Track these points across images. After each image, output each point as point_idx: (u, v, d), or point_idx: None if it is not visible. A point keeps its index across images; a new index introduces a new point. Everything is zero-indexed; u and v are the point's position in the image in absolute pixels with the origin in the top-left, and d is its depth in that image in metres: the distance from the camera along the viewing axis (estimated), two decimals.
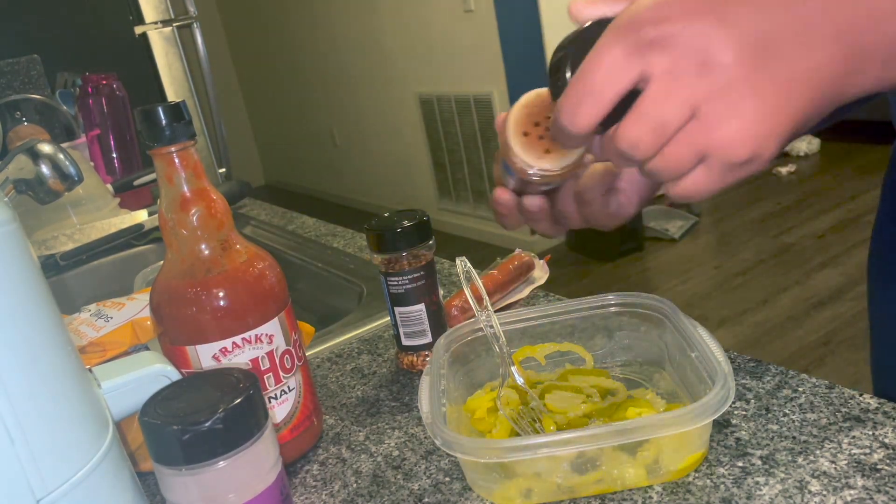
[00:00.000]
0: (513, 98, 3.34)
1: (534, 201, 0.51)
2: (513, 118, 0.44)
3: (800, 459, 0.48)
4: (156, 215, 0.99)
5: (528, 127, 0.44)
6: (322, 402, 0.68)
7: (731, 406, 0.52)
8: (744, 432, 0.51)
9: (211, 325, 0.53)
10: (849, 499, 0.44)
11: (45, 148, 0.94)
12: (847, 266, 2.82)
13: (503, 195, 0.51)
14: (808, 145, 4.12)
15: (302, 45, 4.80)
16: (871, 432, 0.49)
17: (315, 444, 0.61)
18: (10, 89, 1.66)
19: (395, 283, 0.66)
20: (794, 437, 0.50)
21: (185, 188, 0.52)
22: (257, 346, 0.54)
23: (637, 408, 0.54)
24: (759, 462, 0.48)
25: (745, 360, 0.60)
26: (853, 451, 0.47)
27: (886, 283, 0.72)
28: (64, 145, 1.05)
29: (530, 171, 0.45)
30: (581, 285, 3.12)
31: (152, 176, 1.40)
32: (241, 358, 0.54)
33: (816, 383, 0.55)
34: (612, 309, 0.61)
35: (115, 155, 1.57)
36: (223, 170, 1.62)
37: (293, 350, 0.57)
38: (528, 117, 0.44)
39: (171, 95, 1.58)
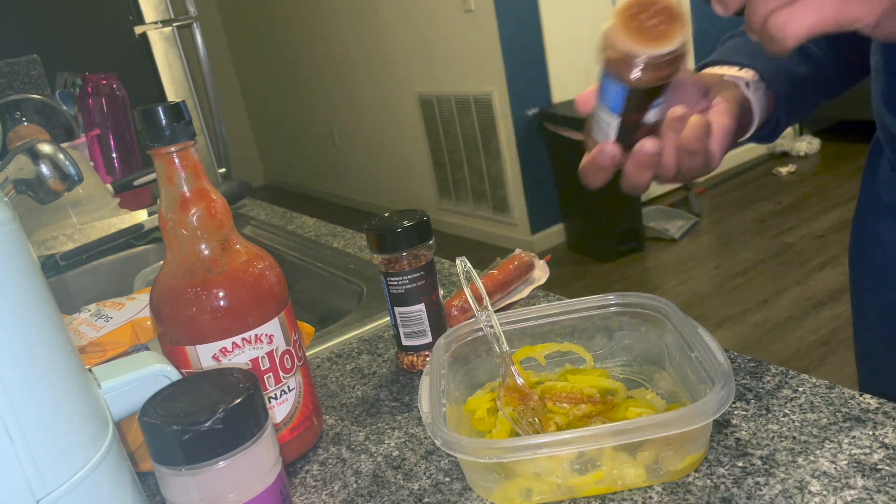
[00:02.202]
0: (513, 98, 3.34)
1: (650, 145, 0.52)
2: (619, 12, 0.47)
3: (800, 459, 0.48)
4: (156, 215, 0.99)
5: (632, 20, 0.47)
6: (322, 402, 0.68)
7: (731, 406, 0.52)
8: (744, 432, 0.51)
9: (211, 325, 0.53)
10: (849, 499, 0.44)
11: (45, 148, 0.94)
12: (847, 266, 2.82)
13: (610, 147, 0.53)
14: (808, 145, 4.12)
15: (302, 45, 4.80)
16: (871, 432, 0.49)
17: (315, 444, 0.61)
18: (10, 89, 1.66)
19: (395, 283, 0.66)
20: (794, 437, 0.50)
21: (185, 188, 0.52)
22: (257, 346, 0.54)
23: (637, 408, 0.54)
24: (759, 462, 0.48)
25: (745, 360, 0.60)
26: (853, 451, 0.47)
27: (868, 277, 0.74)
28: (64, 145, 1.05)
29: (639, 59, 0.47)
30: (581, 285, 3.12)
31: (152, 176, 1.40)
32: (241, 358, 0.54)
33: (816, 383, 0.55)
34: (612, 309, 0.61)
35: (115, 155, 1.57)
36: (223, 170, 1.62)
37: (293, 350, 0.57)
38: (631, 10, 0.47)
39: (171, 95, 1.58)
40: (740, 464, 0.48)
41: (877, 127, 0.69)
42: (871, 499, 0.43)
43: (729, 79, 0.60)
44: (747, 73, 0.60)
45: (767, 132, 0.65)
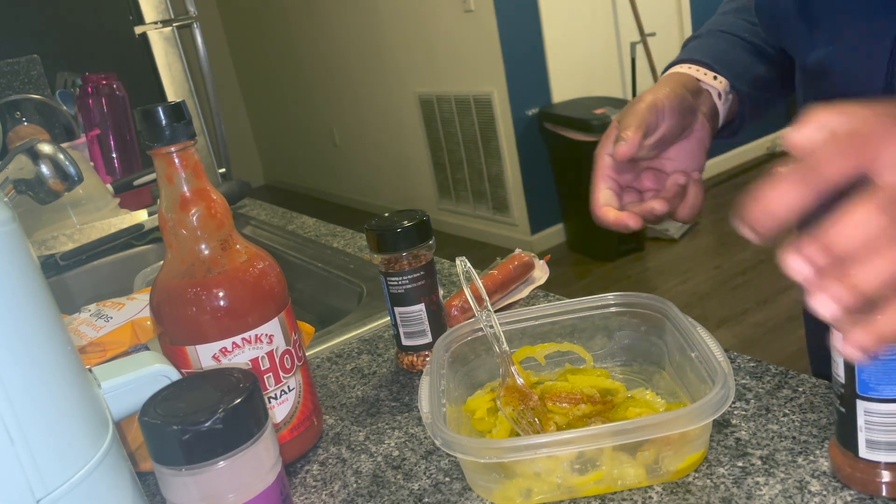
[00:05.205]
0: (513, 98, 3.34)
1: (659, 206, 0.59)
2: None
3: (800, 459, 0.48)
4: (156, 215, 0.99)
5: None
6: (322, 402, 0.68)
7: (731, 406, 0.52)
8: (744, 432, 0.51)
9: (211, 325, 0.53)
10: (849, 499, 0.44)
11: (45, 148, 0.93)
12: None
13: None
14: None
15: (302, 45, 4.79)
16: None
17: (315, 444, 0.61)
18: (10, 89, 1.66)
19: (395, 283, 0.66)
20: (794, 437, 0.50)
21: (185, 188, 0.52)
22: (257, 346, 0.54)
23: (637, 408, 0.54)
24: (759, 462, 0.48)
25: (745, 360, 0.60)
26: None
27: None
28: (64, 145, 1.05)
29: None
30: (581, 285, 3.12)
31: (152, 176, 1.40)
32: (241, 358, 0.54)
33: (816, 383, 0.55)
34: (612, 309, 0.61)
35: (115, 155, 1.57)
36: (223, 170, 1.62)
37: (293, 350, 0.57)
38: None
39: (171, 95, 1.58)
40: (740, 464, 0.48)
41: None
42: (871, 499, 0.43)
43: (705, 87, 0.63)
44: (721, 84, 0.63)
45: (729, 133, 0.68)
